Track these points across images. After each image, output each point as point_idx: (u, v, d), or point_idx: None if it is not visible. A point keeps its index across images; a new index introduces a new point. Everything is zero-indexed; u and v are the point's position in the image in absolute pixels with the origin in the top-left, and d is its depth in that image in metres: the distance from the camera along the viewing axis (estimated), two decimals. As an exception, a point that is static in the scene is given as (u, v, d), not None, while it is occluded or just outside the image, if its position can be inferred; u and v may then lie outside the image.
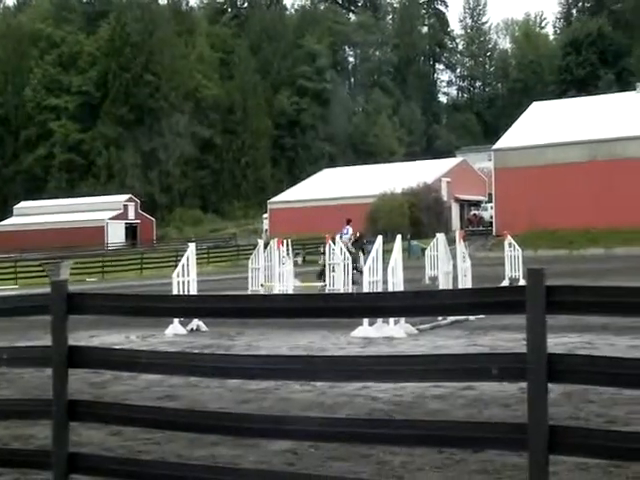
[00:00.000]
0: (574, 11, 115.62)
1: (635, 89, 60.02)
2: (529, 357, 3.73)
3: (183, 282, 16.15)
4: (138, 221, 78.92)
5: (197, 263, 17.86)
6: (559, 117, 55.99)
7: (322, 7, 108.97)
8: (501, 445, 4.03)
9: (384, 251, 16.16)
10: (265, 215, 72.27)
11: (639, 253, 43.22)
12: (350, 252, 23.53)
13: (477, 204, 69.66)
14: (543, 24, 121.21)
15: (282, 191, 76.71)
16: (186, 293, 15.39)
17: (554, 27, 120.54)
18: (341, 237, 25.62)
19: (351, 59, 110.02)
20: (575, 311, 3.87)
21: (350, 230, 27.87)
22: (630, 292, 3.67)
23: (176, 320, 15.17)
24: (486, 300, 3.98)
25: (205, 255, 51.19)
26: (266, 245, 22.55)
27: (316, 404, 8.34)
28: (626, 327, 12.88)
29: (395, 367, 4.36)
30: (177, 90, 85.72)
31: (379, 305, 4.42)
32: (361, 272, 21.78)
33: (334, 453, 6.20)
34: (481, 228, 61.27)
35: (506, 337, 12.30)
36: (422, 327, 14.75)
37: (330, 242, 21.57)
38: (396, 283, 14.83)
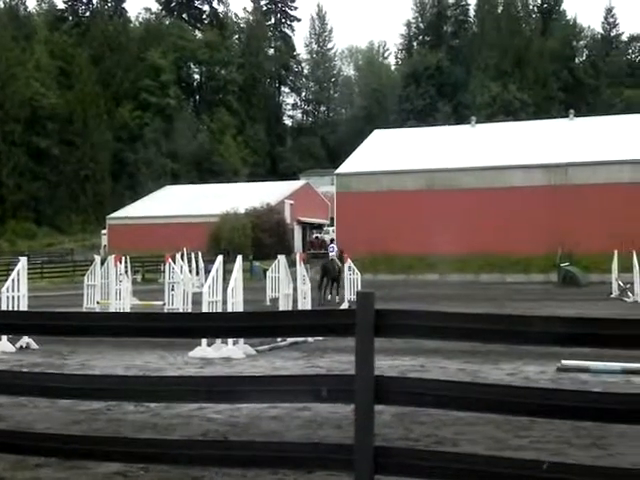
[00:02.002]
0: (415, 44, 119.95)
1: (470, 122, 62.85)
2: (357, 379, 3.81)
3: (13, 297, 15.50)
4: (-33, 233, 75.06)
5: (29, 278, 17.18)
6: (399, 145, 57.81)
7: (167, 22, 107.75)
8: (331, 466, 4.08)
9: (226, 271, 16.11)
10: (104, 230, 70.42)
11: (471, 279, 45.28)
12: (339, 267, 28.32)
13: (320, 227, 70.65)
14: (386, 54, 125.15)
15: (122, 206, 75.04)
16: (16, 309, 14.76)
17: (396, 58, 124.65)
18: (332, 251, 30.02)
19: (196, 76, 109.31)
20: (403, 334, 3.98)
21: (335, 247, 30.72)
22: (455, 317, 3.83)
23: (4, 337, 14.52)
24: (316, 323, 4.03)
25: (39, 270, 49.35)
26: (103, 261, 21.97)
27: (150, 425, 8.17)
28: (457, 351, 13.39)
29: (230, 388, 4.34)
30: (12, 98, 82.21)
31: (208, 325, 4.40)
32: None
33: (165, 475, 6.08)
34: (323, 251, 62.08)
35: (344, 359, 12.51)
36: (261, 348, 14.76)
37: (170, 261, 21.27)
38: (236, 303, 14.79)
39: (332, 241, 33.44)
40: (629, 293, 27.93)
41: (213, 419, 8.43)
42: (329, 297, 27.56)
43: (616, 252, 31.39)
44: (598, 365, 11.58)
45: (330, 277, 28.14)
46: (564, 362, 11.83)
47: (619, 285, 29.99)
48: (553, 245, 42.37)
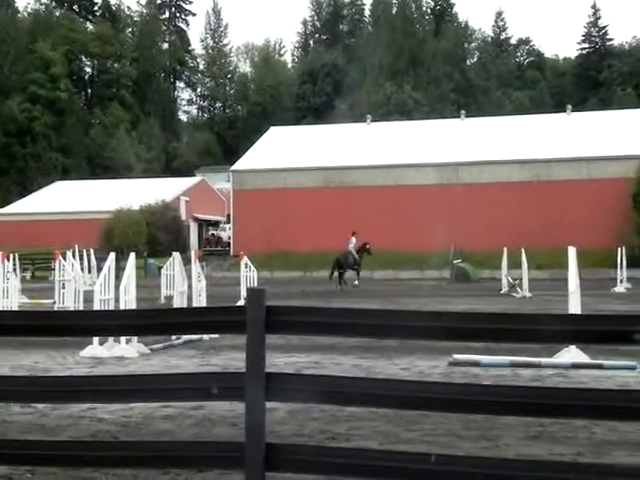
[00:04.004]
0: (311, 42, 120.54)
1: (365, 121, 63.51)
2: (247, 376, 3.78)
3: None
4: None
5: None
6: (296, 142, 57.98)
7: (57, 13, 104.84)
8: (222, 464, 4.05)
9: (119, 269, 15.81)
10: (-9, 227, 68.08)
11: (366, 276, 45.71)
12: (354, 258, 34.22)
13: (216, 224, 70.20)
14: (282, 51, 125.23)
15: (11, 202, 72.74)
16: None
17: (292, 55, 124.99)
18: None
19: (88, 69, 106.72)
20: (294, 331, 3.98)
21: (354, 240, 35.06)
22: (346, 313, 3.84)
23: None
24: (206, 319, 3.99)
25: None
26: (-10, 259, 21.20)
27: (37, 427, 7.94)
28: (353, 347, 13.51)
29: (119, 387, 4.25)
30: None
31: (98, 323, 4.30)
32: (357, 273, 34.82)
33: (53, 478, 5.92)
34: (219, 248, 61.79)
35: (239, 356, 12.44)
36: (155, 347, 14.55)
37: (60, 258, 20.74)
38: (128, 301, 14.53)
39: (353, 234, 35.85)
40: (518, 289, 28.79)
41: (104, 419, 8.27)
42: (341, 287, 32.98)
43: (505, 249, 32.32)
44: (488, 359, 11.89)
45: (346, 267, 33.65)
46: (456, 356, 12.10)
47: (508, 281, 30.89)
48: (446, 242, 43.31)
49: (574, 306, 12.43)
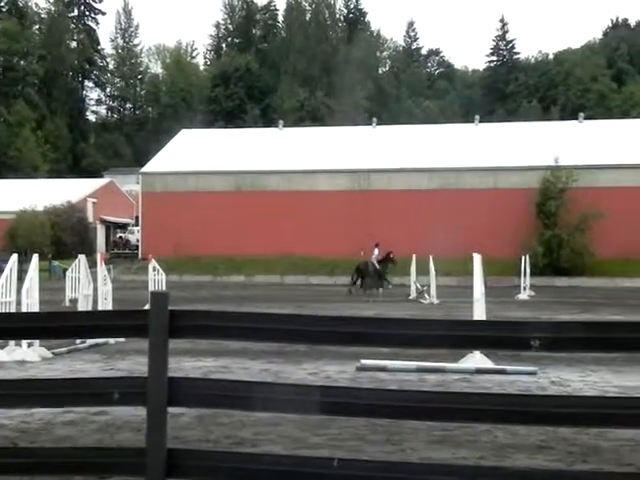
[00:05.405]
0: (224, 45, 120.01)
1: (278, 126, 63.55)
2: (150, 381, 3.73)
3: None
4: None
5: None
6: (207, 146, 57.59)
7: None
8: (124, 470, 3.97)
9: (22, 271, 15.39)
10: None
11: (277, 281, 45.84)
12: (376, 268, 34.31)
13: (124, 226, 69.11)
14: (194, 54, 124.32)
15: None
16: None
17: (205, 58, 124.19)
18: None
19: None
20: (199, 335, 3.93)
21: (376, 251, 35.46)
22: (252, 318, 3.82)
23: None
24: (108, 323, 3.92)
25: None
26: None
27: None
28: (262, 351, 13.51)
29: (18, 392, 4.13)
30: None
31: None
32: (388, 283, 34.87)
33: (-54, 488, 5.71)
34: (127, 251, 60.88)
35: (145, 361, 12.19)
36: (58, 351, 14.21)
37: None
38: (31, 304, 14.15)
39: (376, 245, 36.18)
40: (426, 295, 29.23)
41: (3, 425, 8.02)
42: (354, 291, 33.25)
43: (414, 256, 32.79)
44: (395, 364, 12.01)
45: (366, 275, 34.01)
46: (363, 361, 12.18)
47: (417, 287, 31.34)
48: (357, 248, 43.62)
49: (478, 312, 12.69)
